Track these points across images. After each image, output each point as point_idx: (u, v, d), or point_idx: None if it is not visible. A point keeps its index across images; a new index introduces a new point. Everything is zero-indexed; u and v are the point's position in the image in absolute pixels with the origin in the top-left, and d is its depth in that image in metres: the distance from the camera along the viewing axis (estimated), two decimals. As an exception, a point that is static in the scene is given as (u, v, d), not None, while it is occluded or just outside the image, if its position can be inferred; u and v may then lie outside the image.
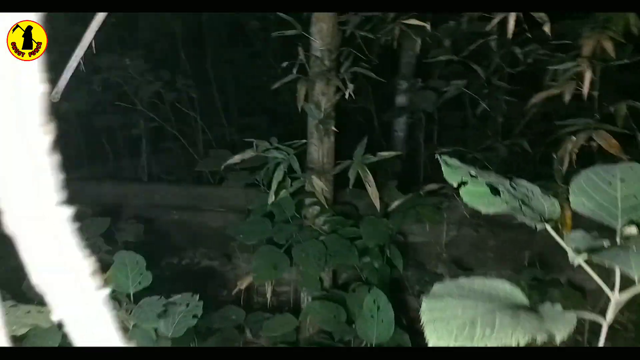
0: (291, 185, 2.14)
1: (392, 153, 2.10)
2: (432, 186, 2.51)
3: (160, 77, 3.20)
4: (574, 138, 1.71)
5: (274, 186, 2.02)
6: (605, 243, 0.70)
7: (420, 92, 3.01)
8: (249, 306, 2.45)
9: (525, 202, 0.81)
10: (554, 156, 1.81)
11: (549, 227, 0.80)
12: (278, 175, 2.03)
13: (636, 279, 0.61)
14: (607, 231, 0.81)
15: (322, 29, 2.29)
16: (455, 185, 0.81)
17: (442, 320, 0.66)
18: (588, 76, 1.82)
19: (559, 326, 0.65)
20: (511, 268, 2.87)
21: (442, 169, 0.82)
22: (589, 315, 0.77)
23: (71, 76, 1.05)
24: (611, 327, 0.77)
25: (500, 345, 0.60)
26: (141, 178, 3.37)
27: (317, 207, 2.34)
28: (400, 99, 3.53)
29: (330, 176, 2.41)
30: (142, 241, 2.49)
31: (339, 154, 2.47)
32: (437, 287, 0.74)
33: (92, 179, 3.09)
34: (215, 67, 3.89)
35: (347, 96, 2.09)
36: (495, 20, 2.26)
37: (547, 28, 1.85)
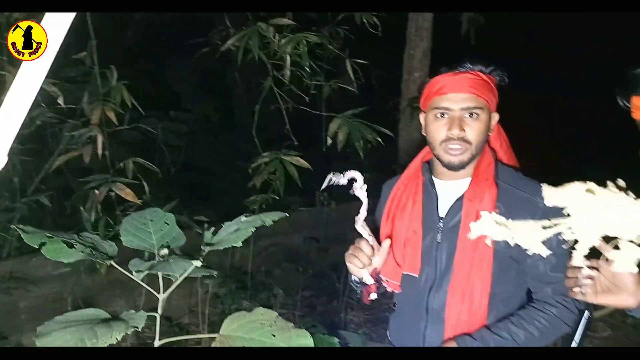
0: None
1: None
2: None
3: None
4: (96, 192, 2.06)
5: None
6: (151, 261, 1.06)
7: None
8: None
9: (95, 247, 1.08)
10: (82, 208, 2.10)
11: (113, 262, 1.10)
12: None
13: (177, 276, 1.00)
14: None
15: None
16: (37, 246, 0.98)
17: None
18: (100, 139, 2.21)
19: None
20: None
21: (22, 236, 0.98)
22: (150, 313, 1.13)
23: None
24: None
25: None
26: None
27: None
28: None
29: None
30: None
31: None
32: (42, 328, 0.90)
33: None
34: None
35: None
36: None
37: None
